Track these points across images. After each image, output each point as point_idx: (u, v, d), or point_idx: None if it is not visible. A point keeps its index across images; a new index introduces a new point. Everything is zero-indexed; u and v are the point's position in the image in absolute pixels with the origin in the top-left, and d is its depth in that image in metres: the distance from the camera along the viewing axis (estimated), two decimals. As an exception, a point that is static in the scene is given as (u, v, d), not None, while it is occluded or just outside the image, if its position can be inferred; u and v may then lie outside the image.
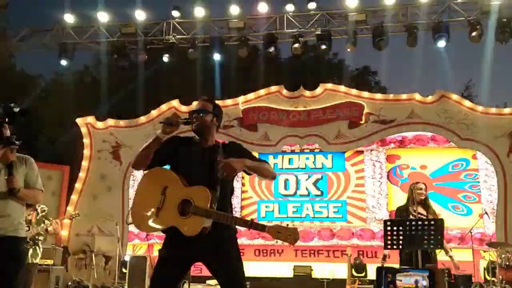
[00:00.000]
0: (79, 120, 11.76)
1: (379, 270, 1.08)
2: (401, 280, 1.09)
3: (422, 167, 10.55)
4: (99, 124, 11.66)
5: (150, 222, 2.94)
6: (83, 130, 11.65)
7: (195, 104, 11.63)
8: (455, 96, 10.52)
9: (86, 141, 11.56)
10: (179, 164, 3.06)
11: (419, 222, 4.34)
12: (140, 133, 11.19)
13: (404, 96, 10.66)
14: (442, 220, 4.47)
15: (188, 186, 2.95)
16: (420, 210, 5.07)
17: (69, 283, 8.05)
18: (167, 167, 3.14)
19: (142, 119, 11.53)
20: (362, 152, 10.85)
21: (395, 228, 4.34)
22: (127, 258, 9.71)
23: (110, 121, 11.68)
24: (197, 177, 2.97)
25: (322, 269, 9.59)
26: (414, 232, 4.31)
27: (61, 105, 16.39)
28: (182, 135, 3.32)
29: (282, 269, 10.06)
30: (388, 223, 4.40)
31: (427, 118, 10.32)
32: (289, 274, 9.82)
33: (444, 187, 10.30)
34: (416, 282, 1.10)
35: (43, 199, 3.82)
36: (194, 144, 3.15)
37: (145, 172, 3.16)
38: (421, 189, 5.19)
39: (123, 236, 10.54)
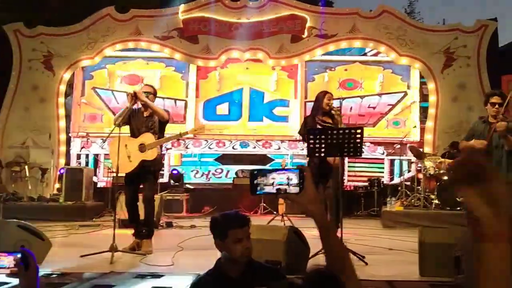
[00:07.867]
0: (6, 27, 10.92)
1: (252, 172, 1.11)
2: (274, 178, 1.13)
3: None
4: (29, 31, 10.88)
5: (129, 166, 5.28)
6: (11, 37, 10.86)
7: (131, 12, 10.73)
8: (395, 11, 10.50)
9: (14, 49, 10.82)
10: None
11: (340, 131, 4.46)
12: (74, 41, 10.61)
13: (346, 10, 10.55)
14: (362, 128, 4.60)
15: (136, 138, 5.35)
16: (325, 119, 5.30)
17: (2, 194, 7.88)
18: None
19: (76, 26, 10.83)
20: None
21: (317, 137, 4.44)
22: (63, 170, 9.56)
23: (41, 29, 10.91)
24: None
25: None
26: (335, 141, 4.43)
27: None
28: None
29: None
30: (312, 131, 4.49)
31: (368, 33, 10.32)
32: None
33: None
34: (288, 179, 1.14)
35: None
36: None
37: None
38: (328, 99, 5.37)
39: (59, 149, 10.33)
